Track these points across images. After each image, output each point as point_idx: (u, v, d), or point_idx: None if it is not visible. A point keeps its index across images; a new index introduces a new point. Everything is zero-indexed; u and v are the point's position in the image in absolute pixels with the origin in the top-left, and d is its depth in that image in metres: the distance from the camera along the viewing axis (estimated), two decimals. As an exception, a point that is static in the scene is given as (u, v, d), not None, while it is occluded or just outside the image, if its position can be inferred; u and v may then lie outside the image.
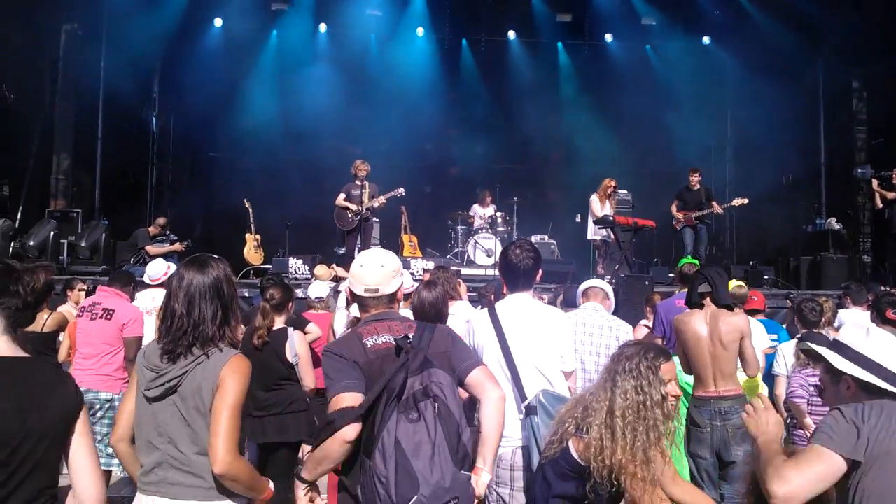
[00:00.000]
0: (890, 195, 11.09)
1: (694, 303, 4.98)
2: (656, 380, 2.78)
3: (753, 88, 14.40)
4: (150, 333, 6.20)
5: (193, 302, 2.67)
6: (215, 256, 2.86)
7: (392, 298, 2.94)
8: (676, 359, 4.54)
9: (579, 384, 4.42)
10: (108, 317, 5.64)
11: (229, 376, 2.60)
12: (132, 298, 6.26)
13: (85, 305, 5.88)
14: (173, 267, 6.50)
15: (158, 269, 6.56)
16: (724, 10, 15.47)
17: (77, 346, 5.81)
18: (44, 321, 6.31)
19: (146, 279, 6.64)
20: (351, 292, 2.98)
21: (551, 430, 2.95)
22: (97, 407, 5.60)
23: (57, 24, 12.58)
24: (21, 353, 2.32)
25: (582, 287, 5.19)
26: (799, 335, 5.58)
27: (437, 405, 2.54)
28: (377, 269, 2.90)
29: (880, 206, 11.34)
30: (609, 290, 5.21)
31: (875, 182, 11.54)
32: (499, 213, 12.96)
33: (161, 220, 11.70)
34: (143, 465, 2.68)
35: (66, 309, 6.98)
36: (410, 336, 2.75)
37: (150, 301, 6.46)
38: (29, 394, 2.22)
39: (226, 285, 2.74)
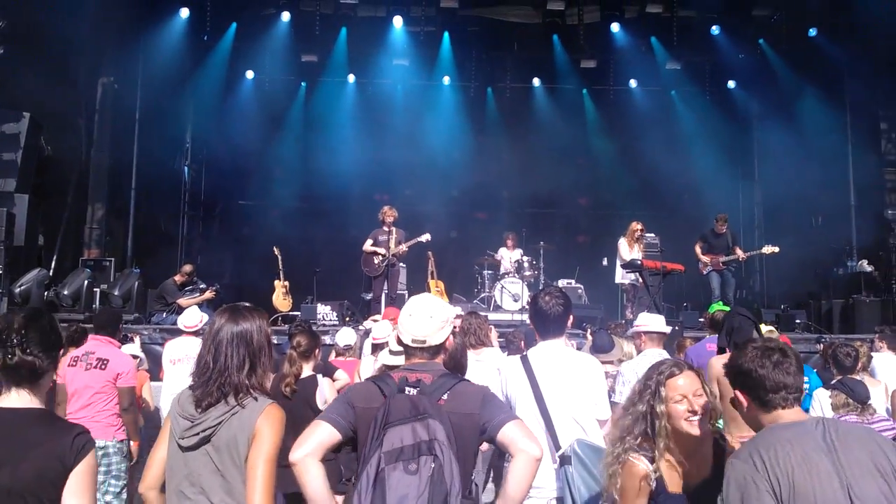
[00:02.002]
0: None
1: (723, 348, 4.93)
2: (655, 394, 2.75)
3: (780, 130, 14.41)
4: (177, 381, 6.28)
5: (220, 349, 2.67)
6: (253, 307, 2.84)
7: (439, 350, 2.82)
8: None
9: None
10: (103, 367, 5.56)
11: (265, 426, 2.57)
12: (121, 343, 6.25)
13: (78, 355, 5.68)
14: (206, 316, 6.60)
15: (192, 318, 6.67)
16: (747, 54, 15.61)
17: (71, 394, 5.58)
18: None
19: (181, 326, 6.74)
20: (399, 340, 2.87)
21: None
22: None
23: (94, 77, 12.91)
24: (34, 405, 2.28)
25: (640, 329, 5.16)
26: (834, 381, 5.47)
27: (433, 466, 2.42)
28: (425, 320, 2.78)
29: None
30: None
31: None
32: (525, 258, 12.92)
33: (187, 268, 11.51)
34: None
35: None
36: (427, 382, 2.65)
37: (181, 350, 6.55)
38: (8, 448, 2.15)
39: (256, 335, 2.71)
